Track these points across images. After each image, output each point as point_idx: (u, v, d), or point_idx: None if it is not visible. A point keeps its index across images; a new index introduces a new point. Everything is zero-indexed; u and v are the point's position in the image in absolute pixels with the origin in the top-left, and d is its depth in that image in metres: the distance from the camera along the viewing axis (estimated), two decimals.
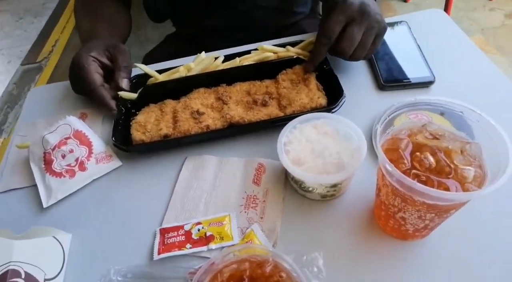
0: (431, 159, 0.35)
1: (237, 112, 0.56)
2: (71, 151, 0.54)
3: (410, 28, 0.67)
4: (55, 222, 0.50)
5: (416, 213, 0.36)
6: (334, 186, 0.45)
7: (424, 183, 0.34)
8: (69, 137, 0.55)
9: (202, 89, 0.60)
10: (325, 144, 0.46)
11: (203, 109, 0.57)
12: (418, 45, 0.64)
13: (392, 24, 0.69)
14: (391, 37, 0.66)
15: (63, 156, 0.54)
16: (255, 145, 0.55)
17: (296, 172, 0.43)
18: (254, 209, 0.47)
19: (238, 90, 0.60)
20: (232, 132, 0.56)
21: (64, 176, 0.53)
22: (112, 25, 0.74)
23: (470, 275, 0.39)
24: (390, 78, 0.59)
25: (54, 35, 2.46)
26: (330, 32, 0.55)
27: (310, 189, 0.45)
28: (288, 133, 0.48)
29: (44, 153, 0.54)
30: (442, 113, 0.40)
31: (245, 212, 0.47)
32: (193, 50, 0.98)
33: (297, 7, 0.89)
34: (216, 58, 0.64)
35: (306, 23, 0.93)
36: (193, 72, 0.62)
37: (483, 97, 0.54)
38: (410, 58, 0.62)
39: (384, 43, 0.65)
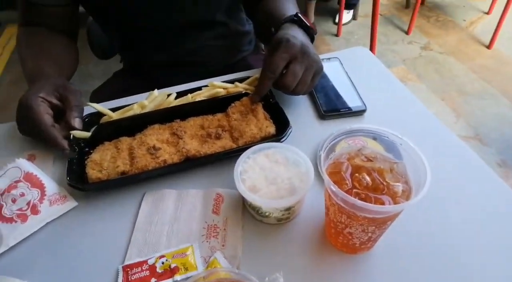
0: (368, 178, 0.41)
1: (193, 146, 0.59)
2: (22, 195, 0.53)
3: (342, 64, 0.77)
4: (8, 269, 0.48)
5: (360, 227, 0.41)
6: (288, 209, 0.49)
7: (364, 199, 0.39)
8: (19, 181, 0.53)
9: (156, 126, 0.62)
10: (277, 171, 0.51)
11: (159, 144, 0.59)
12: (349, 78, 0.73)
13: (327, 60, 0.78)
14: (327, 72, 0.74)
15: (14, 200, 0.52)
16: (212, 176, 0.58)
17: (253, 198, 0.47)
18: (215, 237, 0.49)
19: (192, 125, 0.63)
20: (189, 165, 0.59)
21: (16, 221, 0.51)
22: (59, 62, 0.74)
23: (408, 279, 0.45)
24: (329, 108, 0.66)
25: None
26: (275, 67, 0.61)
27: (267, 213, 0.49)
28: (243, 163, 0.51)
29: None
30: (374, 138, 0.47)
31: (207, 241, 0.49)
32: (142, 86, 1.00)
33: (243, 45, 0.97)
34: (168, 95, 0.67)
35: (251, 59, 1.01)
36: (147, 110, 0.65)
37: (404, 121, 0.63)
38: (344, 90, 0.70)
39: (322, 77, 0.73)
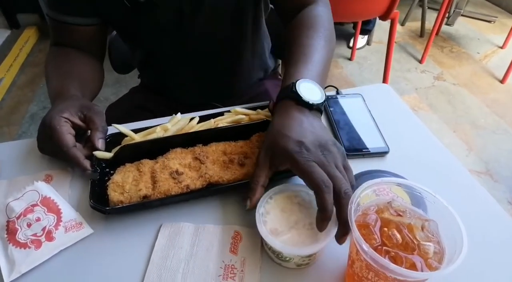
0: (398, 235, 0.40)
1: (215, 172, 0.58)
2: (38, 219, 0.52)
3: (364, 100, 0.76)
4: None
5: None
6: (309, 256, 0.47)
7: (394, 258, 0.38)
8: (36, 205, 0.53)
9: (179, 150, 0.61)
10: (299, 214, 0.50)
11: (181, 169, 0.58)
12: (372, 116, 0.72)
13: (349, 96, 0.77)
14: (350, 108, 0.74)
15: (29, 225, 0.51)
16: (231, 209, 0.57)
17: (275, 243, 0.46)
18: (232, 279, 0.48)
19: (214, 150, 0.62)
20: (212, 192, 0.58)
21: (29, 247, 0.50)
22: (85, 83, 0.74)
23: None
24: (351, 147, 0.65)
25: None
26: (325, 205, 0.46)
27: (287, 258, 0.48)
28: (265, 204, 0.50)
29: (8, 221, 0.51)
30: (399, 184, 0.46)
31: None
32: (159, 103, 1.00)
33: (259, 74, 0.98)
34: (191, 119, 0.67)
35: (268, 84, 1.01)
36: (169, 133, 0.64)
37: (426, 165, 0.62)
38: (367, 128, 0.70)
39: (344, 113, 0.73)
